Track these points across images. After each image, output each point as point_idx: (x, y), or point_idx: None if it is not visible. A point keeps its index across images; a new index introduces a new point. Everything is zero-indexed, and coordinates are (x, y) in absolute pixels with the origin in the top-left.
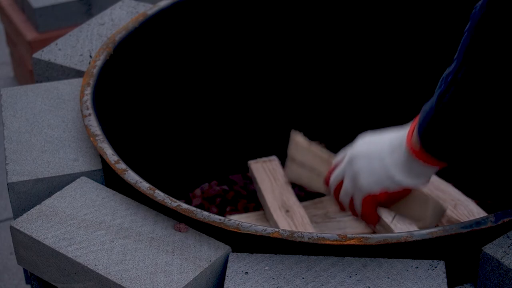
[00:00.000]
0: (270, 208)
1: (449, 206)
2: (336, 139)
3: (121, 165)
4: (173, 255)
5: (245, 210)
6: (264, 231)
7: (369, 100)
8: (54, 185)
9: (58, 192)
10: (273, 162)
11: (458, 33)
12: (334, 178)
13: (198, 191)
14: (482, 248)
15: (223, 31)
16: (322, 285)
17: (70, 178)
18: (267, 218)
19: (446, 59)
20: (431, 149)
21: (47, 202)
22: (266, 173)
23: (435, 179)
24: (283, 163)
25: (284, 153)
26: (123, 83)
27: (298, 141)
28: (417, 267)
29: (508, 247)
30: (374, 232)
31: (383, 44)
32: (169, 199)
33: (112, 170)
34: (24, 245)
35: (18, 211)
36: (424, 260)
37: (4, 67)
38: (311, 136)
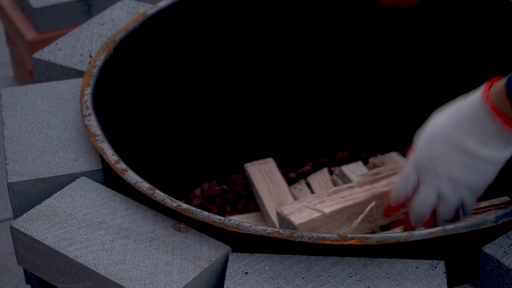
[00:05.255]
0: (268, 209)
1: None
2: (335, 140)
3: (121, 165)
4: (173, 255)
5: (245, 210)
6: (264, 231)
7: (367, 103)
8: (54, 185)
9: (58, 192)
10: (269, 163)
11: (459, 34)
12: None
13: (198, 191)
14: (482, 248)
15: (223, 32)
16: (322, 285)
17: (70, 178)
18: (265, 219)
19: (447, 60)
20: None
21: (47, 202)
22: (263, 175)
23: None
24: (279, 165)
25: (283, 153)
26: (123, 83)
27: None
28: (417, 267)
29: (508, 247)
30: (373, 232)
31: (380, 46)
32: (169, 199)
33: (112, 170)
34: (24, 245)
35: (18, 211)
36: (424, 260)
37: (4, 67)
38: (309, 138)
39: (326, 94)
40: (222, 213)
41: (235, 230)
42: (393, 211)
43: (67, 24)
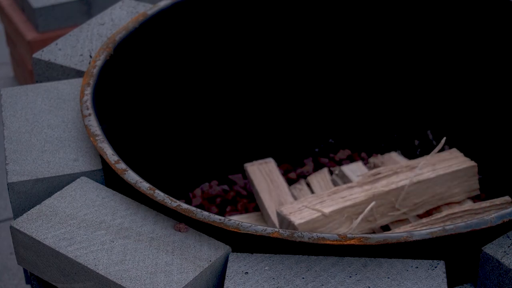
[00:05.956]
0: (268, 209)
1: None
2: (335, 140)
3: (121, 165)
4: (173, 255)
5: (245, 210)
6: (264, 231)
7: (367, 103)
8: (54, 185)
9: (58, 192)
10: (269, 164)
11: (459, 35)
12: None
13: (198, 191)
14: (482, 248)
15: (223, 32)
16: (322, 285)
17: (70, 178)
18: (265, 219)
19: (447, 61)
20: None
21: (47, 202)
22: (263, 175)
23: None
24: (279, 165)
25: (283, 154)
26: (123, 83)
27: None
28: (417, 267)
29: (508, 247)
30: (373, 232)
31: (380, 47)
32: (169, 199)
33: (112, 170)
34: (24, 245)
35: (18, 211)
36: (424, 260)
37: (4, 67)
38: (309, 138)
39: (326, 94)
40: (222, 213)
41: (235, 230)
42: None
43: (67, 24)
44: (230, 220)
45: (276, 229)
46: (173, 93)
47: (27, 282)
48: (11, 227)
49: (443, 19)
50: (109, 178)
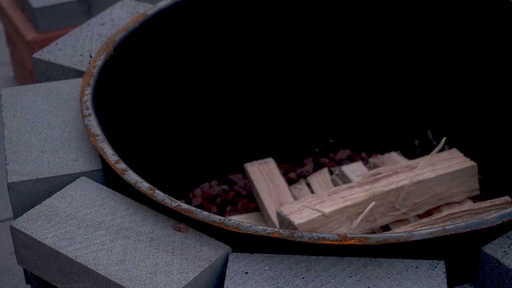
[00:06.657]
0: (268, 209)
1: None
2: (335, 140)
3: (121, 165)
4: (173, 255)
5: (245, 210)
6: (264, 231)
7: (367, 103)
8: (54, 185)
9: (58, 192)
10: (269, 164)
11: (459, 35)
12: None
13: (198, 191)
14: (482, 248)
15: (223, 32)
16: (322, 285)
17: (70, 178)
18: (265, 219)
19: (447, 61)
20: None
21: (47, 202)
22: (263, 175)
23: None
24: (279, 164)
25: (283, 154)
26: (123, 83)
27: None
28: (417, 267)
29: (508, 247)
30: (373, 232)
31: (380, 47)
32: (169, 199)
33: (112, 170)
34: (24, 245)
35: (18, 211)
36: (424, 260)
37: (4, 67)
38: (309, 138)
39: (326, 94)
40: (222, 213)
41: (235, 230)
42: None
43: (67, 24)
44: (230, 220)
45: (276, 229)
46: (173, 93)
47: (27, 282)
48: (11, 227)
49: (443, 19)
50: (109, 178)
